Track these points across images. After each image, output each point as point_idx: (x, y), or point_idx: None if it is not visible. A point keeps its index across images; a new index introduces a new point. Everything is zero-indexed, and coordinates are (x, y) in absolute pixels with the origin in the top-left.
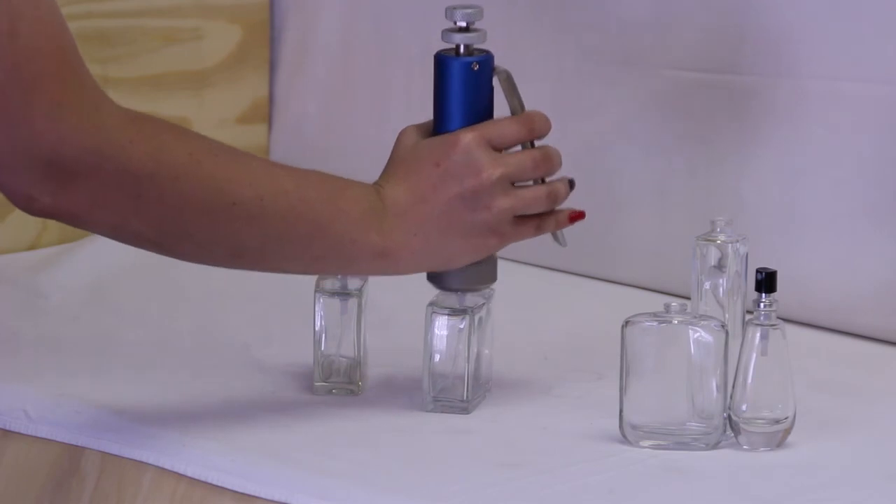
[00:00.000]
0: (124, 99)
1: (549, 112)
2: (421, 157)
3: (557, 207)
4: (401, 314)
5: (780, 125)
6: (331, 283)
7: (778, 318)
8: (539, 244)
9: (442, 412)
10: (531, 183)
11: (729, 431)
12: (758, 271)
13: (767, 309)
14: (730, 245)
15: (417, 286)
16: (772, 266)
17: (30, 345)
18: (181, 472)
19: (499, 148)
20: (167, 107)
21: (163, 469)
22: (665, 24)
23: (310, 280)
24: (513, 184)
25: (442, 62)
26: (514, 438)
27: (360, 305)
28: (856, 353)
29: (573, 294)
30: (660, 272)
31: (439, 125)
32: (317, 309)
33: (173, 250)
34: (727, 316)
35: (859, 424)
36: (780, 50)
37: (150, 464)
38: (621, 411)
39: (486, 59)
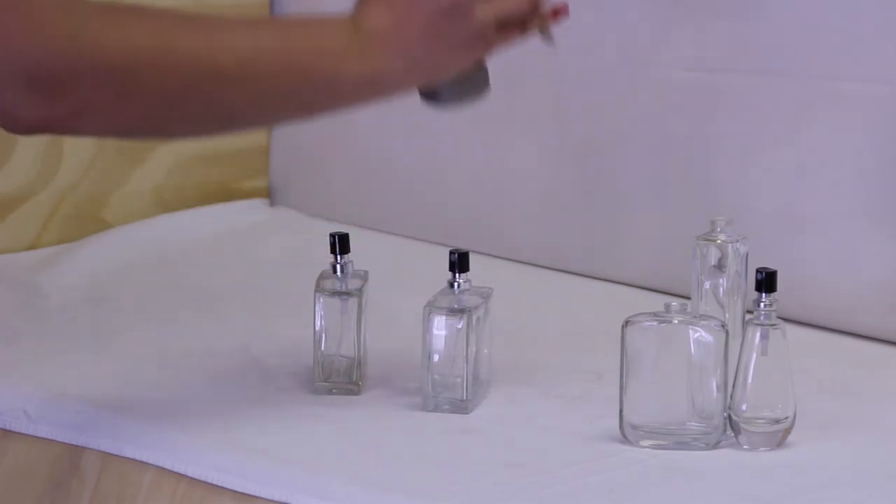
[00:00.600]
0: None
1: (550, 112)
2: None
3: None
4: (401, 314)
5: (781, 125)
6: (331, 283)
7: (778, 317)
8: (539, 244)
9: (442, 412)
10: None
11: (729, 431)
12: (758, 271)
13: (767, 309)
14: (730, 245)
15: (417, 286)
16: (772, 266)
17: (30, 345)
18: (181, 471)
19: None
20: None
21: (163, 469)
22: (665, 24)
23: (310, 280)
24: None
25: None
26: (514, 438)
27: (360, 305)
28: (856, 353)
29: (573, 294)
30: (660, 272)
31: None
32: (317, 309)
33: (166, 134)
34: (727, 316)
35: (859, 424)
36: (781, 50)
37: (150, 464)
38: (621, 411)
39: None
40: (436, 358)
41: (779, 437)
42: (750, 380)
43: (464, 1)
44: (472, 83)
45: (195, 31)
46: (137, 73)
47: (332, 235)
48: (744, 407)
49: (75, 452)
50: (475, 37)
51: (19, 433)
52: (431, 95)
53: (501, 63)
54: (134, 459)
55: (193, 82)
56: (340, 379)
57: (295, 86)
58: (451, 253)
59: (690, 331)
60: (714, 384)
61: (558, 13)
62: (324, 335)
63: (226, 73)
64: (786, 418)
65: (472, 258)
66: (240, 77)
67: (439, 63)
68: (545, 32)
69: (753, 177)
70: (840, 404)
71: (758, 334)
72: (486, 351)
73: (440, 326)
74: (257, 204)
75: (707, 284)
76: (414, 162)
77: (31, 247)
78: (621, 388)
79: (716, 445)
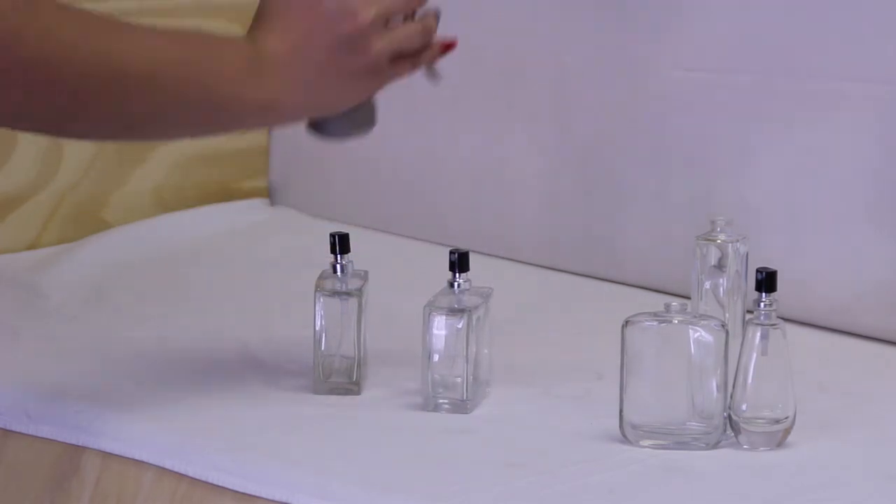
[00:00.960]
0: None
1: (550, 112)
2: (292, 4)
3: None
4: (401, 314)
5: (780, 125)
6: (331, 283)
7: (778, 317)
8: (539, 244)
9: (442, 412)
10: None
11: (729, 431)
12: (758, 271)
13: (767, 309)
14: (730, 245)
15: (417, 286)
16: (772, 266)
17: (30, 345)
18: (181, 471)
19: None
20: None
21: (163, 469)
22: (665, 24)
23: (310, 280)
24: (387, 24)
25: None
26: (514, 438)
27: (360, 305)
28: (856, 353)
29: (573, 294)
30: (660, 272)
31: None
32: (317, 309)
33: (69, 131)
34: (727, 316)
35: (859, 424)
36: (781, 50)
37: (150, 464)
38: (621, 411)
39: None
40: (436, 358)
41: (779, 437)
42: (750, 380)
43: (362, 33)
44: (359, 116)
45: (108, 30)
46: (51, 66)
47: (333, 235)
48: (744, 407)
49: (75, 452)
50: (369, 70)
51: (19, 433)
52: (318, 126)
53: (501, 63)
54: (134, 459)
55: (102, 82)
56: (340, 379)
57: (195, 101)
58: (451, 253)
59: (690, 331)
60: (714, 384)
61: (447, 48)
62: (324, 335)
63: (133, 79)
64: (786, 418)
65: (472, 258)
66: (146, 85)
67: (334, 93)
68: (431, 68)
69: (753, 177)
70: (840, 404)
71: (758, 334)
72: (486, 351)
73: (440, 326)
74: (257, 204)
75: (707, 284)
76: (414, 162)
77: (31, 247)
78: (621, 388)
79: (716, 445)
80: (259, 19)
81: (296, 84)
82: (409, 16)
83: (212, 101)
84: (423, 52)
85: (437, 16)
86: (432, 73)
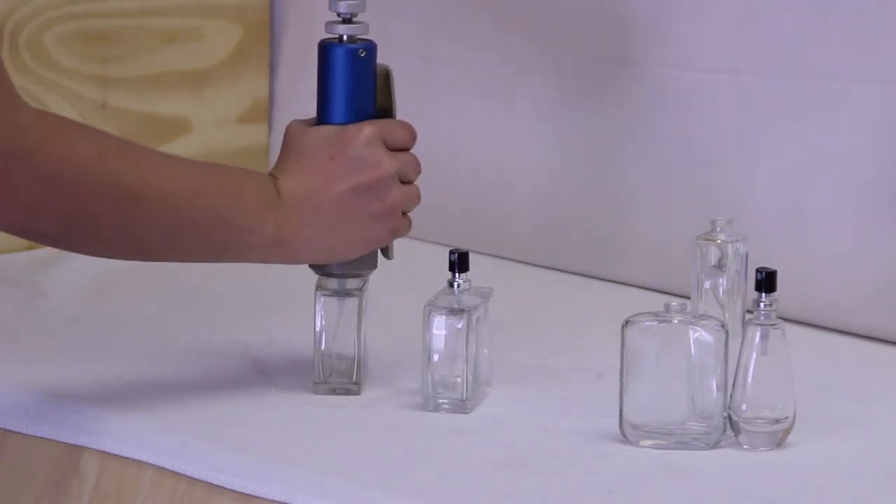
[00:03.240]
0: (124, 99)
1: (550, 112)
2: (315, 147)
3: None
4: (401, 314)
5: (781, 125)
6: (331, 283)
7: (778, 317)
8: (539, 244)
9: (442, 412)
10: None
11: (729, 431)
12: (758, 271)
13: (767, 308)
14: (730, 245)
15: (417, 286)
16: (772, 266)
17: (30, 345)
18: (181, 471)
19: (390, 147)
20: (167, 106)
21: (163, 469)
22: (665, 24)
23: (310, 280)
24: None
25: (328, 50)
26: (514, 438)
27: (360, 305)
28: (856, 353)
29: (573, 294)
30: (660, 272)
31: (325, 114)
32: (317, 309)
33: (77, 247)
34: (727, 316)
35: (859, 424)
36: (780, 50)
37: (150, 464)
38: (621, 411)
39: (371, 48)
40: (436, 358)
41: (779, 437)
42: (750, 380)
43: (382, 183)
44: (361, 259)
45: (126, 154)
46: (66, 183)
47: None
48: (744, 407)
49: (75, 452)
50: (383, 220)
51: (19, 433)
52: (318, 267)
53: (501, 63)
54: (134, 459)
55: (116, 204)
56: (340, 379)
57: (208, 229)
58: (451, 253)
59: (690, 331)
60: (714, 384)
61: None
62: (324, 335)
63: (147, 203)
64: (786, 418)
65: (472, 258)
66: (160, 210)
67: (346, 239)
68: (388, 249)
69: (753, 177)
70: (840, 404)
71: (758, 334)
72: (486, 351)
73: (440, 326)
74: None
75: (707, 284)
76: None
77: (31, 247)
78: (621, 388)
79: (716, 445)
80: (281, 161)
81: (309, 226)
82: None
83: (224, 233)
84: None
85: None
86: (387, 253)
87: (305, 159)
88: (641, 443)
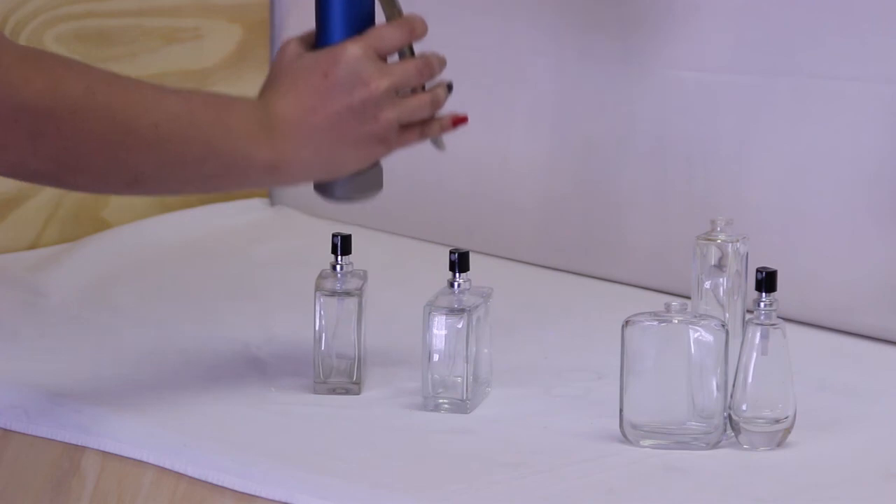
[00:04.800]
0: None
1: (550, 112)
2: (307, 68)
3: (439, 113)
4: (401, 314)
5: (780, 125)
6: (331, 283)
7: (778, 317)
8: (539, 244)
9: (442, 412)
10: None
11: (729, 431)
12: (758, 271)
13: (767, 308)
14: (730, 245)
15: (417, 286)
16: (772, 266)
17: (30, 344)
18: (181, 471)
19: (384, 56)
20: None
21: (163, 469)
22: (665, 24)
23: (310, 280)
24: (397, 93)
25: None
26: (514, 438)
27: (360, 305)
28: (856, 353)
29: (573, 294)
30: (660, 272)
31: (323, 37)
32: (317, 309)
33: (70, 183)
34: (727, 315)
35: (859, 424)
36: (780, 50)
37: (150, 463)
38: (621, 411)
39: None
40: (436, 358)
41: (779, 437)
42: (750, 379)
43: (374, 100)
44: (366, 180)
45: (115, 86)
46: (56, 118)
47: (335, 236)
48: (744, 407)
49: (75, 452)
50: (378, 137)
51: (19, 433)
52: (325, 189)
53: (502, 63)
54: (134, 459)
55: (107, 137)
56: (340, 379)
57: (201, 158)
58: (451, 253)
59: (690, 331)
60: (714, 384)
61: (458, 122)
62: (324, 335)
63: (138, 134)
64: (786, 418)
65: (472, 258)
66: (152, 141)
67: (342, 158)
68: (437, 139)
69: (753, 177)
70: (840, 404)
71: (758, 334)
72: (486, 351)
73: (440, 326)
74: (257, 204)
75: (707, 284)
76: (414, 162)
77: (31, 247)
78: (621, 388)
79: (716, 445)
80: (271, 82)
81: (304, 147)
82: (420, 86)
83: (217, 160)
84: (430, 123)
85: (448, 87)
86: (438, 143)
87: (299, 80)
88: (641, 443)
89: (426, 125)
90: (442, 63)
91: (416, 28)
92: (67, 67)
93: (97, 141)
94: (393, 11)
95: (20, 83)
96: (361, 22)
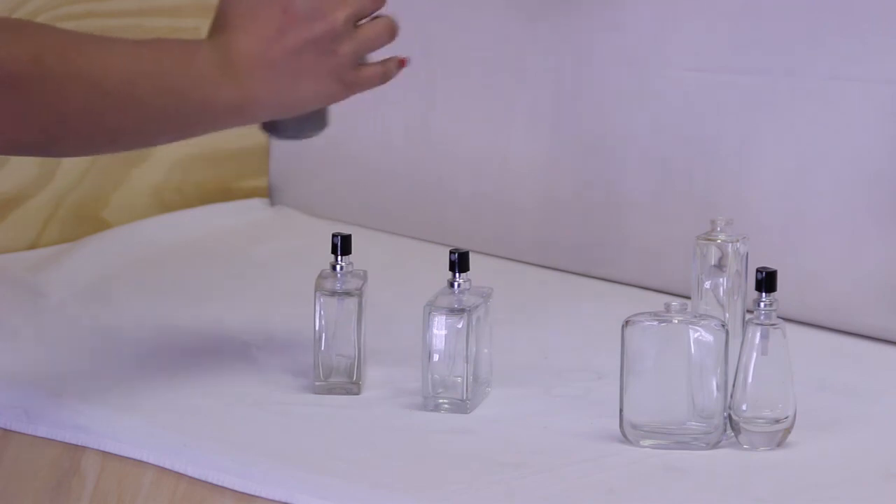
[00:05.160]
0: None
1: (549, 112)
2: (263, 2)
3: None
4: (401, 314)
5: (781, 125)
6: (331, 283)
7: (778, 317)
8: (539, 244)
9: (442, 412)
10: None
11: (729, 431)
12: (758, 271)
13: (767, 308)
14: (730, 245)
15: (417, 286)
16: (772, 266)
17: (30, 344)
18: (181, 471)
19: None
20: None
21: (163, 469)
22: (665, 24)
23: (310, 280)
24: (354, 25)
25: None
26: (514, 438)
27: (360, 305)
28: (856, 353)
29: (573, 294)
30: (660, 272)
31: None
32: (317, 309)
33: (59, 151)
34: (727, 315)
35: (859, 424)
36: (781, 50)
37: (150, 463)
38: (621, 411)
39: None
40: (436, 358)
41: (779, 437)
42: (750, 379)
43: (334, 33)
44: (313, 118)
45: (88, 48)
46: (39, 85)
47: (335, 236)
48: (744, 407)
49: (75, 452)
50: (338, 71)
51: (19, 433)
52: (271, 127)
53: (501, 62)
54: (134, 459)
55: (88, 101)
56: (340, 379)
57: (173, 109)
58: (451, 253)
59: (690, 331)
60: (714, 384)
61: (402, 63)
62: (324, 335)
63: (115, 95)
64: (786, 418)
65: (472, 258)
66: (128, 99)
67: (303, 93)
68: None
69: (753, 177)
70: (840, 404)
71: (758, 334)
72: (486, 351)
73: (440, 326)
74: (257, 204)
75: (707, 284)
76: (414, 161)
77: (31, 247)
78: (621, 388)
79: (716, 445)
80: (227, 20)
81: (268, 83)
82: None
83: (188, 107)
84: (388, 61)
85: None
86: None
87: (258, 15)
88: (641, 443)
89: (385, 64)
90: None
91: None
92: (45, 34)
93: (81, 106)
94: None
95: (4, 55)
96: None
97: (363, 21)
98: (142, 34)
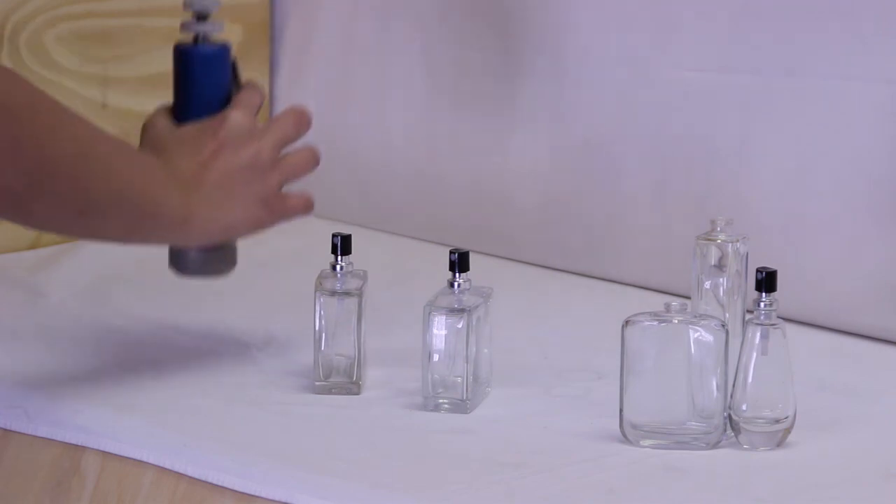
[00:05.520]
0: (124, 99)
1: (550, 112)
2: (194, 131)
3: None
4: (401, 314)
5: (781, 125)
6: (331, 283)
7: (778, 317)
8: (540, 244)
9: (442, 412)
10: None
11: (729, 431)
12: (758, 271)
13: (767, 308)
14: (730, 245)
15: (417, 286)
16: (772, 266)
17: (30, 344)
18: (181, 471)
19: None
20: None
21: (163, 469)
22: (665, 24)
23: (310, 280)
24: (279, 152)
25: (204, 53)
26: (514, 438)
27: (360, 305)
28: (856, 353)
29: (573, 294)
30: (660, 272)
31: (194, 113)
32: (317, 309)
33: (29, 207)
34: (727, 315)
35: (859, 424)
36: (780, 50)
37: (150, 463)
38: (621, 411)
39: (229, 47)
40: (436, 358)
41: (779, 436)
42: (750, 379)
43: (261, 158)
44: (220, 257)
45: (70, 112)
46: (35, 131)
47: (335, 236)
48: (744, 407)
49: (75, 452)
50: (265, 198)
51: (19, 433)
52: (178, 262)
53: (501, 62)
54: (134, 459)
55: (72, 156)
56: (340, 379)
57: (125, 200)
58: (451, 253)
59: (690, 331)
60: (714, 384)
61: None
62: (324, 335)
63: (93, 159)
64: (786, 418)
65: (472, 258)
66: (102, 168)
67: (234, 217)
68: None
69: (753, 177)
70: (840, 404)
71: (758, 334)
72: (486, 351)
73: (440, 326)
74: None
75: (707, 284)
76: (414, 162)
77: (31, 247)
78: (621, 388)
79: (716, 445)
80: (161, 145)
81: (205, 203)
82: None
83: (137, 200)
84: (307, 195)
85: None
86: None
87: (189, 142)
88: (641, 443)
89: (307, 196)
90: (309, 113)
91: (263, 90)
92: (10, 80)
93: (65, 160)
94: (238, 80)
95: (5, 89)
96: (226, 97)
97: (287, 150)
98: (142, 34)
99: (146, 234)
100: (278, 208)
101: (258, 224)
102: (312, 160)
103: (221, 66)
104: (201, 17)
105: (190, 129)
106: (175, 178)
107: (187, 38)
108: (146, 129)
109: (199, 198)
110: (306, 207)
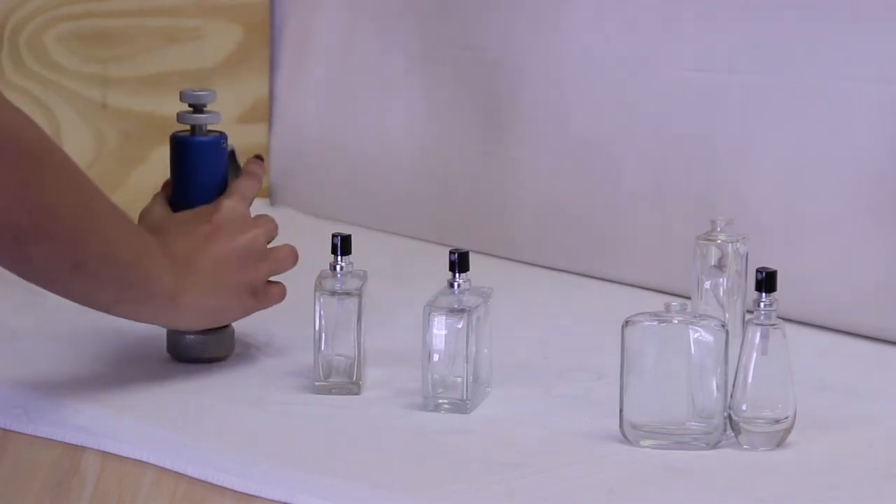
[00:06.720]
0: (124, 99)
1: (549, 112)
2: (189, 216)
3: None
4: (401, 314)
5: (781, 125)
6: (331, 283)
7: (778, 317)
8: (540, 244)
9: (442, 412)
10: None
11: (729, 431)
12: (758, 271)
13: (767, 308)
14: (730, 245)
15: (417, 286)
16: (772, 266)
17: (29, 344)
18: (181, 471)
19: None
20: (167, 107)
21: (163, 469)
22: (665, 24)
23: (310, 280)
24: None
25: (199, 143)
26: (514, 438)
27: (360, 305)
28: (856, 353)
29: (573, 294)
30: (660, 272)
31: (195, 198)
32: (317, 309)
33: (29, 250)
34: (727, 315)
35: (859, 424)
36: (780, 50)
37: (150, 463)
38: (621, 411)
39: (224, 137)
40: (436, 358)
41: (779, 437)
42: (750, 380)
43: (254, 248)
44: (217, 341)
45: (53, 160)
46: (45, 170)
47: (335, 236)
48: (744, 407)
49: (75, 452)
50: (254, 287)
51: (19, 433)
52: (176, 347)
53: (501, 63)
54: (134, 459)
55: (76, 203)
56: (340, 379)
57: (127, 262)
58: (451, 253)
59: (690, 331)
60: (714, 384)
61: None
62: (324, 335)
63: (97, 212)
64: (786, 418)
65: (472, 258)
66: (103, 223)
67: (223, 304)
68: None
69: (753, 177)
70: (840, 404)
71: (758, 334)
72: (486, 351)
73: (440, 326)
74: (257, 204)
75: (707, 284)
76: (414, 162)
77: None
78: (621, 388)
79: (716, 445)
80: (159, 228)
81: (197, 286)
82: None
83: (129, 269)
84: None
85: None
86: None
87: (184, 226)
88: (641, 443)
89: (281, 285)
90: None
91: (261, 176)
92: (45, 132)
93: (67, 208)
94: (237, 168)
95: (21, 126)
96: (222, 185)
97: (272, 245)
98: (142, 34)
99: (136, 306)
100: (263, 296)
101: (245, 311)
102: (294, 256)
103: (217, 156)
104: (197, 108)
105: (185, 214)
106: (168, 256)
107: (184, 128)
108: (143, 216)
109: (190, 280)
110: (283, 297)
